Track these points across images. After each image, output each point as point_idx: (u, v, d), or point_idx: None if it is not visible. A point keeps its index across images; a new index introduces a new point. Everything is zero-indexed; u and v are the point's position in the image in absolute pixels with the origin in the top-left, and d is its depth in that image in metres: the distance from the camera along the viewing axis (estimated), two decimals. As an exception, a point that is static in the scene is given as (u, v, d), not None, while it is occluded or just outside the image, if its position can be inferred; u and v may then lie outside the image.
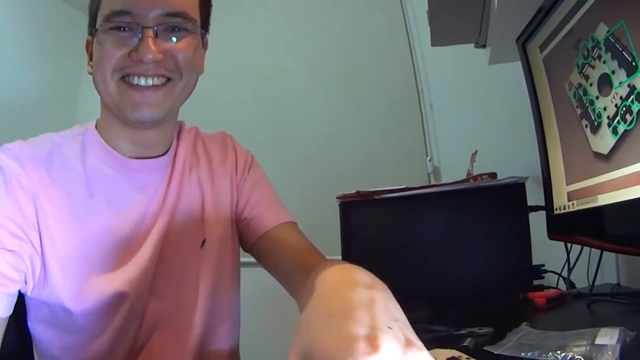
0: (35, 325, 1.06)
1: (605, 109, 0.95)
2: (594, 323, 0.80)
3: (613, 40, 0.91)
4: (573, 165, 1.15)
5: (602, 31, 0.95)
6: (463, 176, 1.54)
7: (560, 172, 1.20)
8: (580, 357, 0.67)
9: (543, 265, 1.45)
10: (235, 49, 3.00)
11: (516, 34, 1.36)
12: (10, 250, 0.93)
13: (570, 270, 1.42)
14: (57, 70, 3.93)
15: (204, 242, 1.16)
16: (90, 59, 1.09)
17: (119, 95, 1.01)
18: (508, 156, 1.93)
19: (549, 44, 1.19)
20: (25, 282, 0.98)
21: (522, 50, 1.34)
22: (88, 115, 3.83)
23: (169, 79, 1.04)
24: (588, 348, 0.68)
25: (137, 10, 0.97)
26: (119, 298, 1.03)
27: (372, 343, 0.42)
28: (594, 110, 1.00)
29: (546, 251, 1.38)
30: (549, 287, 1.39)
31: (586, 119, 1.04)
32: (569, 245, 1.40)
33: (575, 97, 1.09)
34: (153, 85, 1.02)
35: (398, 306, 0.52)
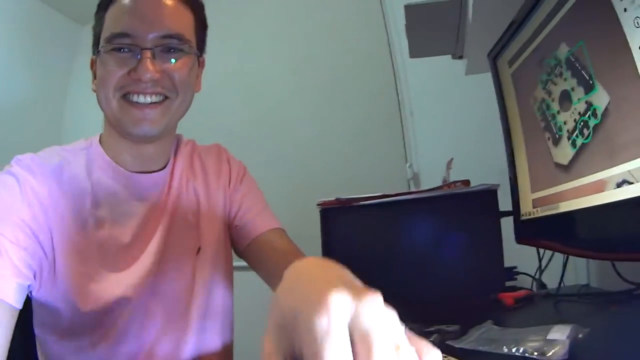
0: (40, 329, 1.10)
1: (565, 123, 1.01)
2: (556, 321, 0.85)
3: (573, 60, 0.97)
4: (537, 174, 1.20)
5: (563, 50, 1.01)
6: (441, 182, 1.59)
7: (526, 180, 1.25)
8: (532, 350, 0.73)
9: (515, 267, 1.51)
10: (218, 56, 2.99)
11: (490, 46, 1.41)
12: (23, 249, 0.96)
13: (541, 272, 1.46)
14: (44, 77, 3.91)
15: (199, 249, 1.21)
16: (95, 77, 1.14)
17: (120, 112, 1.07)
18: (484, 162, 1.96)
19: (517, 60, 1.25)
20: (35, 279, 1.01)
21: (492, 64, 1.40)
22: (75, 123, 3.83)
23: (166, 97, 1.09)
24: (541, 343, 0.74)
25: (136, 33, 1.03)
26: (121, 302, 1.07)
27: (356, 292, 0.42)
28: (555, 124, 1.06)
29: (520, 254, 1.43)
30: (521, 288, 1.43)
31: (549, 132, 1.10)
32: (540, 249, 1.45)
33: (539, 111, 1.14)
34: (151, 102, 1.07)
35: None
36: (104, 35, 1.06)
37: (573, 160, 0.99)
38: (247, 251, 1.30)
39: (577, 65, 0.95)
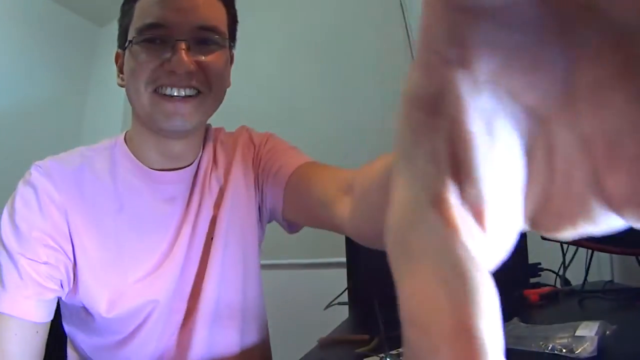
0: (69, 326, 1.10)
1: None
2: (582, 318, 0.84)
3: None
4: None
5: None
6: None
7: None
8: (561, 347, 0.73)
9: (539, 264, 1.50)
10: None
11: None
12: (44, 263, 0.95)
13: (565, 268, 1.46)
14: (64, 79, 3.94)
15: (212, 239, 1.16)
16: (121, 71, 1.11)
17: (151, 106, 1.02)
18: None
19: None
20: (62, 288, 1.00)
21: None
22: (94, 124, 3.85)
23: (199, 92, 1.04)
24: (569, 339, 0.74)
25: (170, 23, 0.99)
26: (149, 306, 1.06)
27: None
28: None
29: (543, 250, 1.42)
30: (545, 285, 1.42)
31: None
32: (564, 244, 1.44)
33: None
34: (185, 96, 1.02)
35: None
36: (135, 26, 1.02)
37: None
38: (287, 205, 1.15)
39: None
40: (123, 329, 1.06)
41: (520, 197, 0.22)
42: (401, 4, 2.95)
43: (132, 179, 1.10)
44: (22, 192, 1.00)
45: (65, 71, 3.96)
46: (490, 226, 0.21)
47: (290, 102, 3.26)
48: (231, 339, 1.18)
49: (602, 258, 1.53)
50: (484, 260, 0.21)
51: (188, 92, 1.02)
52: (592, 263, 1.33)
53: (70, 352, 1.13)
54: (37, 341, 0.96)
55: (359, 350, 0.92)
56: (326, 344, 1.12)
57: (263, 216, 1.27)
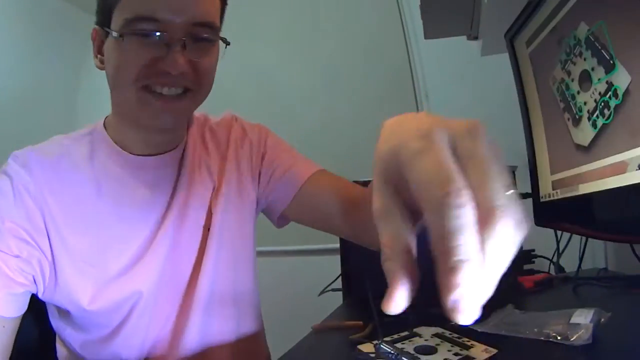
0: (56, 322, 1.08)
1: (585, 103, 1.00)
2: (576, 305, 0.84)
3: (593, 39, 0.95)
4: (557, 156, 1.19)
5: (583, 30, 0.99)
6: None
7: (546, 161, 1.24)
8: (555, 334, 0.73)
9: (533, 250, 1.50)
10: (232, 41, 2.98)
11: (506, 26, 1.39)
12: (15, 256, 0.93)
13: (559, 255, 1.46)
14: (56, 67, 3.94)
15: (208, 229, 1.15)
16: (98, 51, 1.05)
17: (138, 103, 0.98)
18: (501, 144, 1.94)
19: (534, 40, 1.23)
20: (36, 285, 0.97)
21: (509, 45, 1.38)
22: (88, 112, 3.87)
23: (187, 89, 1.00)
24: (564, 327, 0.74)
25: (165, 18, 0.92)
26: (133, 297, 1.04)
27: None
28: (575, 104, 1.05)
29: (537, 237, 1.42)
30: (539, 272, 1.43)
31: (568, 113, 1.09)
32: (558, 231, 1.44)
33: (558, 92, 1.13)
34: (175, 94, 0.99)
35: None
36: (124, 14, 0.94)
37: (593, 142, 0.98)
38: (298, 206, 1.21)
39: (597, 44, 0.94)
40: (108, 322, 1.04)
41: None
42: (397, 1, 2.95)
43: (111, 164, 1.08)
44: (5, 193, 0.98)
45: (58, 58, 3.95)
46: None
47: (287, 94, 3.26)
48: (227, 328, 1.17)
49: (596, 245, 1.54)
50: None
51: (178, 90, 0.99)
52: (586, 250, 1.33)
53: (60, 348, 1.12)
54: (3, 336, 0.93)
55: (353, 337, 0.92)
56: (320, 331, 1.12)
57: (259, 207, 1.28)
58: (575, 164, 1.06)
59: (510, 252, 0.37)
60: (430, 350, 0.76)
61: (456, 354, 0.73)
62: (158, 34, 0.93)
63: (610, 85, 0.90)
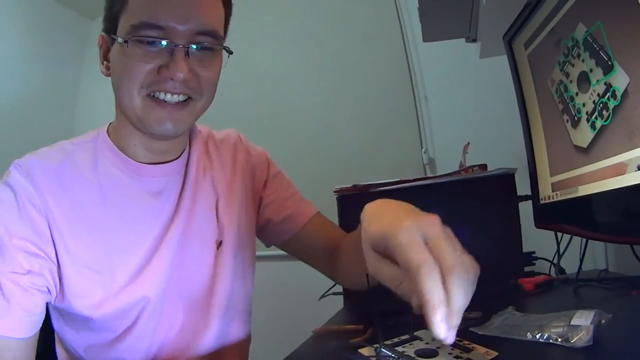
0: (58, 324, 1.08)
1: (584, 105, 1.00)
2: (577, 307, 0.84)
3: (591, 40, 0.95)
4: (556, 158, 1.19)
5: (581, 31, 0.99)
6: (457, 167, 1.58)
7: (545, 163, 1.24)
8: (556, 336, 0.73)
9: (534, 252, 1.50)
10: (231, 44, 2.96)
11: (504, 28, 1.39)
12: (27, 272, 0.92)
13: (560, 256, 1.46)
14: (56, 72, 3.97)
15: (220, 243, 1.17)
16: (104, 58, 1.07)
17: (143, 110, 1.00)
18: (501, 146, 1.96)
19: (533, 42, 1.23)
20: (50, 294, 0.97)
21: (508, 46, 1.38)
22: (87, 116, 3.87)
23: (189, 97, 1.02)
24: (564, 329, 0.74)
25: (169, 25, 0.94)
26: (140, 303, 1.04)
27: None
28: (574, 105, 1.05)
29: (537, 239, 1.42)
30: (539, 274, 1.42)
31: (567, 114, 1.09)
32: (558, 233, 1.44)
33: (557, 93, 1.13)
34: (177, 102, 1.00)
35: None
36: (129, 20, 0.96)
37: (592, 143, 0.98)
38: (292, 242, 1.34)
39: (595, 46, 0.94)
40: (115, 328, 1.04)
41: None
42: (396, 3, 2.96)
43: (115, 171, 1.08)
44: (0, 194, 0.97)
45: (57, 63, 3.99)
46: None
47: (286, 97, 3.26)
48: (240, 333, 1.23)
49: (596, 247, 1.53)
50: None
51: (181, 97, 1.00)
52: (586, 252, 1.33)
53: (60, 351, 1.12)
54: (27, 356, 0.93)
55: (353, 341, 0.92)
56: (321, 335, 1.11)
57: (257, 226, 1.35)
58: (575, 166, 1.06)
59: (468, 290, 0.59)
60: (431, 354, 0.76)
61: (457, 357, 0.73)
62: (162, 41, 0.95)
63: (608, 86, 0.90)
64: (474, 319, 0.93)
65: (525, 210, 1.36)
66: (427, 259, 0.58)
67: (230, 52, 1.08)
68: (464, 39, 2.02)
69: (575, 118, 1.04)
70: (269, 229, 1.34)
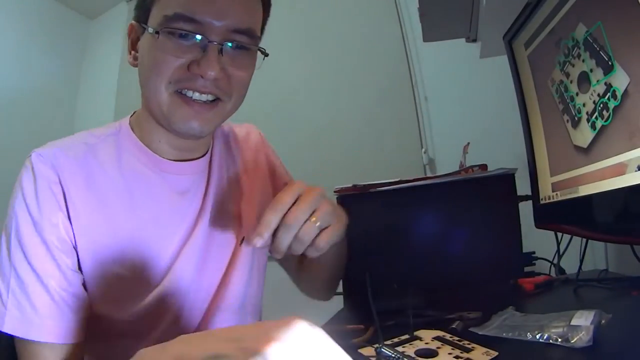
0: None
1: (584, 105, 1.00)
2: (577, 307, 0.84)
3: (591, 40, 0.95)
4: (556, 158, 1.19)
5: (581, 31, 0.99)
6: (457, 167, 1.58)
7: (545, 164, 1.24)
8: (556, 336, 0.72)
9: (534, 253, 1.50)
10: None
11: (504, 28, 1.39)
12: (72, 269, 0.92)
13: (560, 257, 1.46)
14: (58, 69, 4.00)
15: (242, 240, 1.14)
16: (132, 47, 1.03)
17: (170, 107, 0.96)
18: (500, 146, 1.96)
19: (533, 42, 1.23)
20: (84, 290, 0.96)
21: (508, 46, 1.38)
22: (87, 113, 3.87)
23: (218, 98, 0.98)
24: (564, 329, 0.74)
25: (204, 20, 0.90)
26: (163, 303, 1.02)
27: None
28: (574, 106, 1.05)
29: (537, 239, 1.42)
30: (539, 274, 1.42)
31: (567, 114, 1.08)
32: (559, 233, 1.43)
33: (557, 93, 1.13)
34: (205, 101, 0.96)
35: None
36: (163, 10, 0.92)
37: (593, 143, 0.98)
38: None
39: (596, 46, 0.94)
40: (136, 334, 1.02)
41: None
42: (396, 3, 2.96)
43: (140, 167, 1.05)
44: (24, 186, 0.94)
45: (57, 62, 4.03)
46: None
47: (286, 98, 3.26)
48: None
49: (596, 247, 1.53)
50: None
51: (209, 97, 0.96)
52: (586, 252, 1.33)
53: None
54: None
55: (354, 341, 0.92)
56: (321, 335, 1.11)
57: None
58: (575, 166, 1.06)
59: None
60: (431, 354, 0.76)
61: (457, 357, 0.73)
62: (196, 35, 0.91)
63: (609, 86, 0.90)
64: (474, 319, 0.93)
65: (525, 210, 1.36)
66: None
67: (266, 54, 1.06)
68: (464, 39, 2.02)
69: (576, 118, 1.04)
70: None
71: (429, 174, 2.58)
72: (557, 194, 1.18)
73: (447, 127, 2.67)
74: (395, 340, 0.84)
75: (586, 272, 1.35)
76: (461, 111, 2.56)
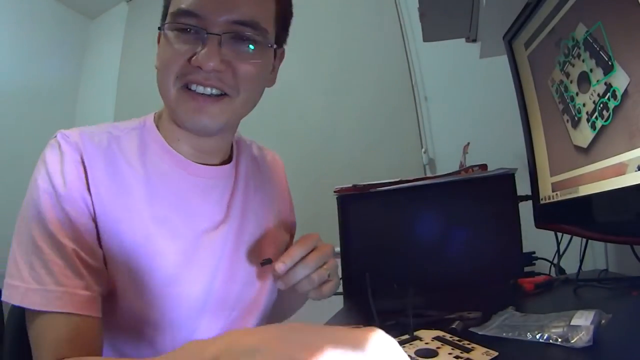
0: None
1: (584, 105, 1.00)
2: (577, 307, 0.84)
3: (591, 40, 0.95)
4: (556, 158, 1.19)
5: (581, 31, 0.99)
6: (457, 167, 1.58)
7: (545, 164, 1.24)
8: (556, 336, 0.72)
9: (534, 253, 1.50)
10: None
11: (504, 28, 1.39)
12: (85, 242, 0.90)
13: (560, 257, 1.46)
14: (58, 69, 4.01)
15: (265, 261, 1.07)
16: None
17: (177, 102, 0.95)
18: (501, 146, 1.96)
19: (533, 42, 1.23)
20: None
21: (508, 46, 1.38)
22: (87, 113, 3.86)
23: (225, 94, 0.96)
24: (564, 329, 0.73)
25: (205, 13, 0.90)
26: (179, 302, 0.99)
27: None
28: (574, 106, 1.05)
29: (537, 239, 1.42)
30: (539, 274, 1.42)
31: (567, 114, 1.09)
32: (558, 233, 1.43)
33: (557, 93, 1.13)
34: (210, 95, 0.95)
35: None
36: (171, 9, 0.93)
37: (593, 143, 0.98)
38: None
39: (596, 46, 0.94)
40: (151, 328, 0.99)
41: None
42: (396, 3, 2.95)
43: (162, 164, 1.03)
44: (53, 166, 0.92)
45: (57, 62, 4.03)
46: None
47: (286, 98, 3.26)
48: None
49: (596, 247, 1.53)
50: None
51: (214, 91, 0.95)
52: (586, 252, 1.33)
53: None
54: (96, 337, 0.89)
55: (354, 341, 0.92)
56: (321, 335, 1.11)
57: None
58: (575, 166, 1.06)
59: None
60: (431, 354, 0.75)
61: (457, 357, 0.72)
62: (197, 29, 0.91)
63: (609, 86, 0.90)
64: (474, 319, 0.93)
65: (525, 210, 1.36)
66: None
67: (276, 47, 1.06)
68: (464, 39, 2.01)
69: (576, 118, 1.04)
70: None
71: (429, 174, 2.58)
72: (557, 194, 1.18)
73: (447, 127, 2.67)
74: (395, 340, 0.84)
75: (586, 272, 1.35)
76: (461, 111, 2.56)
